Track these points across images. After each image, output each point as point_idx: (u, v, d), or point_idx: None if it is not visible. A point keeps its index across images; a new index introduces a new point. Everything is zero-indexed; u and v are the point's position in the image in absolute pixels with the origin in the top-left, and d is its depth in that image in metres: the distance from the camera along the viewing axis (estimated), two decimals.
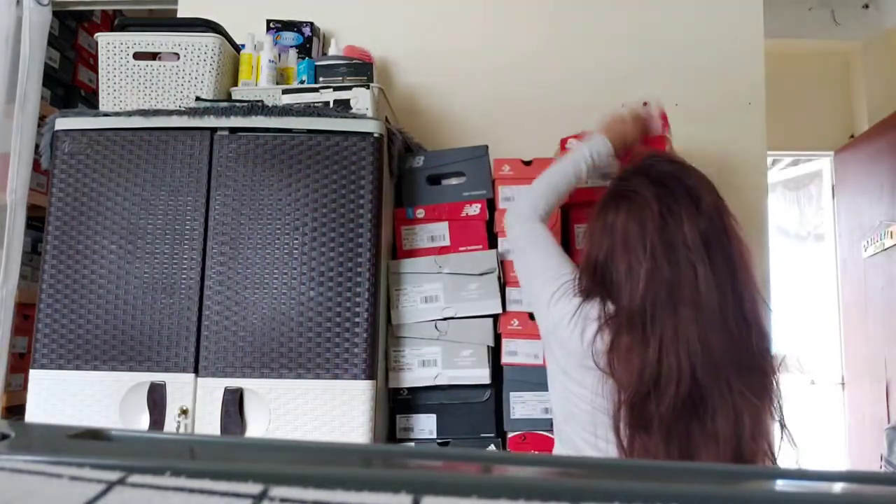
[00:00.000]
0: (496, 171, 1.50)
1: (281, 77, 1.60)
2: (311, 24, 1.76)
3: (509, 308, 1.41)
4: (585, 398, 1.03)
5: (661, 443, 0.93)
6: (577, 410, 1.05)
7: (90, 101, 2.39)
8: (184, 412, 1.27)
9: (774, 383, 0.99)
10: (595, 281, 1.04)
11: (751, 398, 0.94)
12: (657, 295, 0.95)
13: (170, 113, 1.37)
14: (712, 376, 0.93)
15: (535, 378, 1.35)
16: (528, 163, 1.50)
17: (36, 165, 1.88)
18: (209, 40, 1.44)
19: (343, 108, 1.42)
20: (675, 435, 0.93)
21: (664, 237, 0.97)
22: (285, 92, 1.47)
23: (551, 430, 1.30)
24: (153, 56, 1.46)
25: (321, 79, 1.54)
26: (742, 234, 1.03)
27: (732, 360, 0.94)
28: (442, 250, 1.47)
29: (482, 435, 1.41)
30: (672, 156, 1.22)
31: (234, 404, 1.27)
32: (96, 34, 1.50)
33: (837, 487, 0.30)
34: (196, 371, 1.29)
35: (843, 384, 3.03)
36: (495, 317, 1.42)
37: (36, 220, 1.94)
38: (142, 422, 1.27)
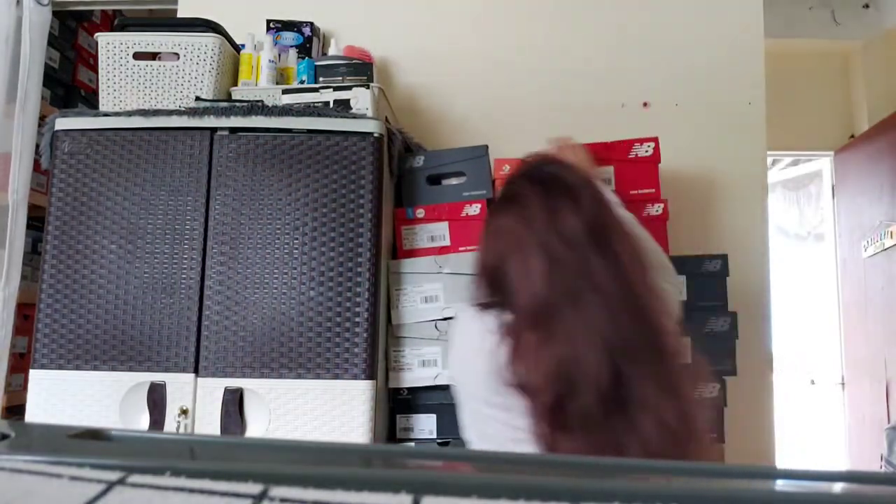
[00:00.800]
0: (496, 171, 1.50)
1: (281, 77, 1.60)
2: (311, 24, 1.76)
3: None
4: (498, 419, 0.97)
5: (583, 442, 0.87)
6: (490, 431, 0.99)
7: (90, 101, 2.39)
8: (184, 412, 1.27)
9: (684, 364, 0.97)
10: (493, 287, 1.01)
11: (671, 381, 0.91)
12: (556, 288, 0.93)
13: (170, 113, 1.37)
14: (630, 363, 0.89)
15: None
16: None
17: (36, 165, 1.88)
18: (209, 40, 1.44)
19: (343, 108, 1.42)
20: (598, 431, 0.88)
21: (551, 232, 0.96)
22: (285, 92, 1.47)
23: None
24: (153, 56, 1.46)
25: (321, 79, 1.54)
26: (627, 226, 1.02)
27: (643, 345, 0.92)
28: (442, 250, 1.47)
29: None
30: (555, 157, 1.21)
31: (234, 404, 1.27)
32: (96, 34, 1.50)
33: (837, 487, 0.30)
34: (196, 371, 1.29)
35: (843, 384, 3.03)
36: None
37: (36, 220, 1.94)
38: (142, 422, 1.27)
